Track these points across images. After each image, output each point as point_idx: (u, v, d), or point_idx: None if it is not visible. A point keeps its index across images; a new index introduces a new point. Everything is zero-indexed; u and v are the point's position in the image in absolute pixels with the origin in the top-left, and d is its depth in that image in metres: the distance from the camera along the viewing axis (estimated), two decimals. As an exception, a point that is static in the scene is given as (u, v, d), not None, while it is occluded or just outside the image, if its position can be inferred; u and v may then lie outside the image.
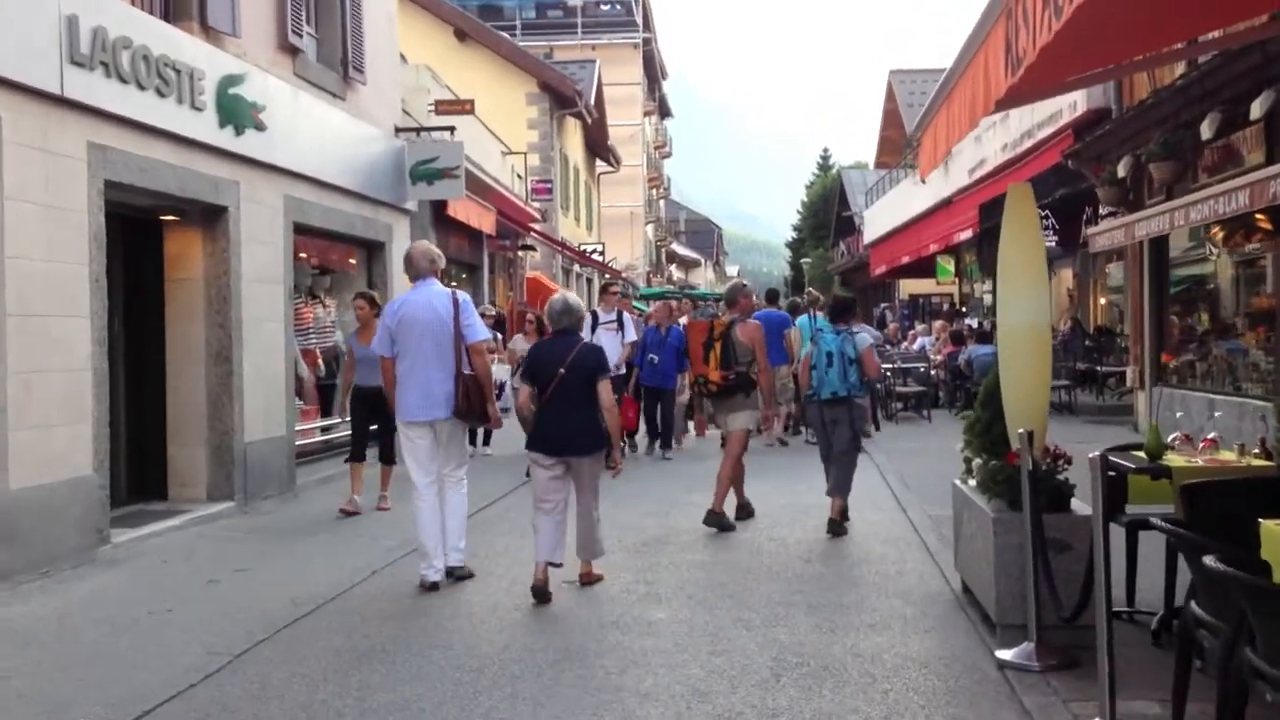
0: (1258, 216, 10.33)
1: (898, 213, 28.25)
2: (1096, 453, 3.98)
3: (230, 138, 8.70)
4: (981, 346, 15.10)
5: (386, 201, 12.11)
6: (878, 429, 13.73)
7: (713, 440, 12.93)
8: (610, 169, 39.12)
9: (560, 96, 28.75)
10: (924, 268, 27.90)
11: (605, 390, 5.99)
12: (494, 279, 24.24)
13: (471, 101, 17.15)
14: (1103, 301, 21.23)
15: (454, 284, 22.13)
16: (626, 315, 11.46)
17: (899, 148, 38.11)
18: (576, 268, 31.66)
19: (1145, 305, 12.67)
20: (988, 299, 27.84)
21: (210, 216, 8.86)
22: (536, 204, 26.72)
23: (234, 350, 8.95)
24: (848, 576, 6.42)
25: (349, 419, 9.10)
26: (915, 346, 20.13)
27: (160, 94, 7.74)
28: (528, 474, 9.75)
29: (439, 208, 17.68)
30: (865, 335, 8.05)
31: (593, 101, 31.58)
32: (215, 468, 8.94)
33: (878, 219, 32.16)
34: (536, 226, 26.28)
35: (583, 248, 32.56)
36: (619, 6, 46.71)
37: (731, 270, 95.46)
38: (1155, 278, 12.56)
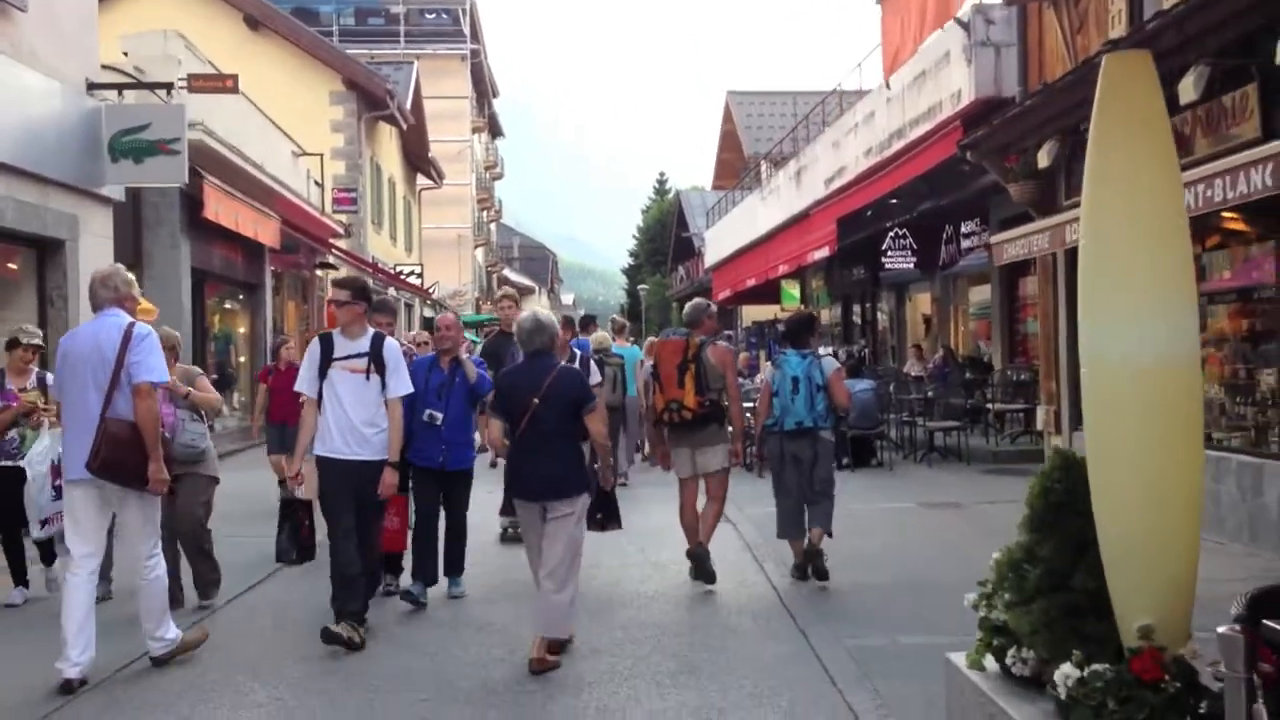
0: (1225, 214, 8.18)
1: (743, 232, 26.03)
2: None
3: None
4: (858, 381, 12.54)
5: (65, 182, 8.56)
6: (843, 467, 10.61)
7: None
8: (432, 184, 35.73)
9: (370, 97, 25.43)
10: (770, 293, 25.85)
11: (595, 421, 5.34)
12: (281, 301, 20.52)
13: (234, 77, 13.61)
14: (965, 328, 19.37)
15: (227, 304, 18.44)
16: (392, 343, 5.78)
17: (737, 171, 36.39)
18: (392, 291, 28.04)
19: (1062, 330, 10.40)
20: (835, 329, 25.83)
21: None
22: (340, 215, 23.24)
23: None
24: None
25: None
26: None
27: None
28: (507, 533, 7.89)
29: (193, 209, 14.10)
30: (831, 360, 7.09)
31: (409, 105, 28.22)
32: None
33: (721, 240, 29.94)
34: (339, 243, 22.81)
35: (398, 269, 29.07)
36: (445, 16, 43.79)
37: (567, 299, 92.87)
38: (1074, 295, 10.30)
